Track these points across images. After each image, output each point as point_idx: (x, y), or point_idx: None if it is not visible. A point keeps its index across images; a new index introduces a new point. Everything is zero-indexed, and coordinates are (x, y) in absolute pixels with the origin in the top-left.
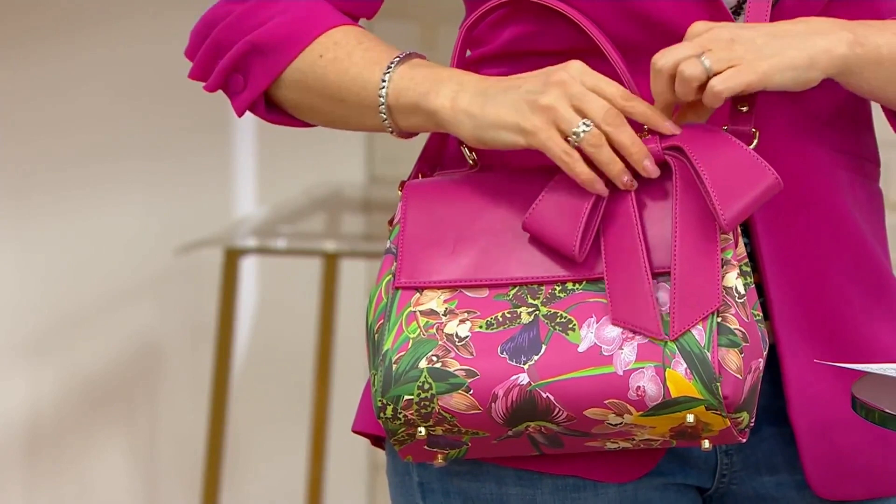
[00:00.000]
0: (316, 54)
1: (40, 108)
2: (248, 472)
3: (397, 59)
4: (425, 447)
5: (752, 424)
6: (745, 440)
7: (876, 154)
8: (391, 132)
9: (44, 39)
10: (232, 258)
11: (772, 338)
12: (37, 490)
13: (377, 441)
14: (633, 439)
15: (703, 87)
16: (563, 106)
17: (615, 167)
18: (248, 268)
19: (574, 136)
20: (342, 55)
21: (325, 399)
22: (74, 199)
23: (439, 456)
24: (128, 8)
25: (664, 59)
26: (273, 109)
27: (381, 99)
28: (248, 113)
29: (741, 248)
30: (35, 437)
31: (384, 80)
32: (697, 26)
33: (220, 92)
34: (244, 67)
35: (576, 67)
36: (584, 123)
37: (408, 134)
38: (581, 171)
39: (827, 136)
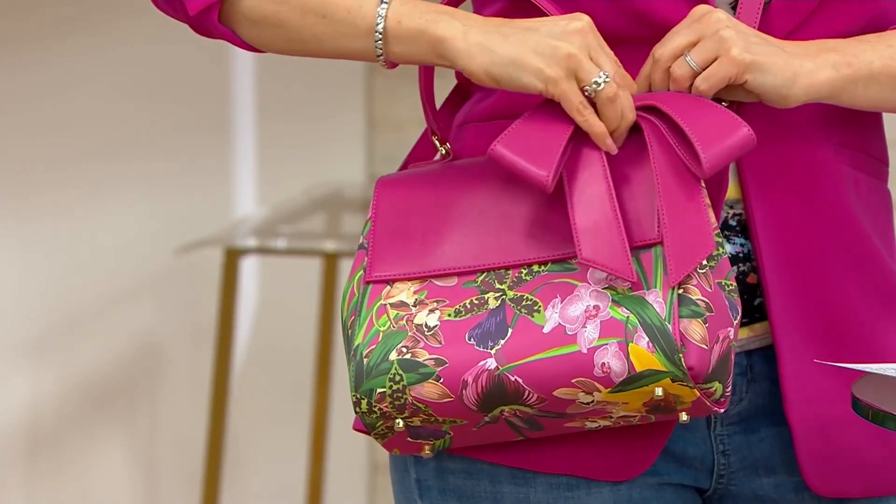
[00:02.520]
0: None
1: (40, 108)
2: (248, 471)
3: None
4: (408, 439)
5: (727, 394)
6: (722, 410)
7: (884, 153)
8: (379, 58)
9: (44, 40)
10: (232, 258)
11: (771, 337)
12: (37, 490)
13: None
14: (612, 417)
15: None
16: (584, 56)
17: (622, 124)
18: (249, 268)
19: (594, 86)
20: None
21: (325, 399)
22: (74, 199)
23: (426, 447)
24: (128, 8)
25: (662, 49)
26: (223, 22)
27: (379, 20)
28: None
29: (710, 218)
30: (35, 437)
31: (384, 1)
32: (698, 10)
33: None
34: None
35: (587, 20)
36: (604, 74)
37: (393, 64)
38: (595, 123)
39: (830, 130)
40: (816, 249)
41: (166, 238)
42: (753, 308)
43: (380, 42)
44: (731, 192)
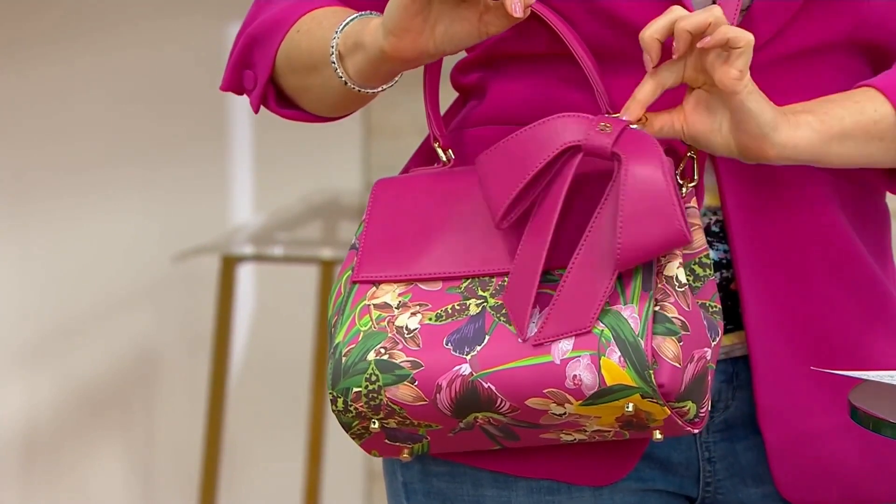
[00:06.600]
0: (295, 31)
1: (38, 115)
2: (244, 478)
3: (359, 14)
4: (386, 441)
5: (702, 415)
6: (696, 431)
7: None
8: (347, 84)
9: (41, 46)
10: (229, 265)
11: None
12: (33, 497)
13: None
14: (586, 430)
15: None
16: None
17: None
18: (245, 275)
19: None
20: (314, 26)
21: (322, 406)
22: (72, 206)
23: (404, 451)
24: (125, 15)
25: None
26: (284, 103)
27: (332, 49)
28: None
29: (698, 241)
30: (32, 443)
31: (337, 32)
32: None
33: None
34: (251, 62)
35: None
36: None
37: (363, 82)
38: None
39: None
40: (796, 257)
41: (163, 245)
42: (738, 315)
43: (337, 70)
44: (713, 198)
